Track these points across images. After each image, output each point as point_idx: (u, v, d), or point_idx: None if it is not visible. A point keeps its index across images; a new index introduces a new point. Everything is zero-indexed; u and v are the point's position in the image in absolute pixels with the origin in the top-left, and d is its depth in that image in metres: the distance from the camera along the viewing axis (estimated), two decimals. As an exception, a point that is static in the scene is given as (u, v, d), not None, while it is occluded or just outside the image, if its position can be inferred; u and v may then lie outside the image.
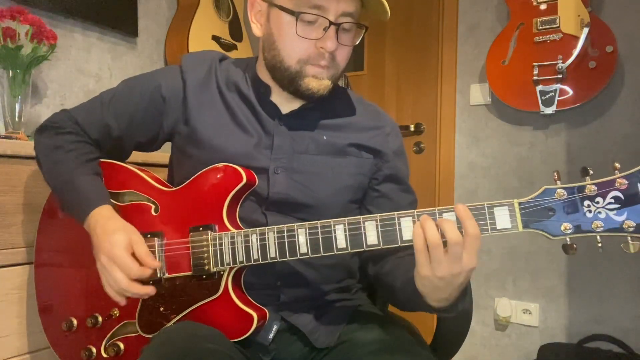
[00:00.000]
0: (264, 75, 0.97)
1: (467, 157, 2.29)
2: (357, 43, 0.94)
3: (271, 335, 0.91)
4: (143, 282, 0.87)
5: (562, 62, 1.91)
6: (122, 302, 0.88)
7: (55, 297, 1.01)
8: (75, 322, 0.96)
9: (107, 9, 1.90)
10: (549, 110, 1.97)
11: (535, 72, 1.97)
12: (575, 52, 1.89)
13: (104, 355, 0.93)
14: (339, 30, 0.88)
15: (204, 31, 2.13)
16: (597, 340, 1.94)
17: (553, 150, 2.09)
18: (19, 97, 1.43)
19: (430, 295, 0.78)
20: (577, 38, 1.89)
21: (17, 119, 1.43)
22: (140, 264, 0.85)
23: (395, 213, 0.79)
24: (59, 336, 0.99)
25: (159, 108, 0.98)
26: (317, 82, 0.91)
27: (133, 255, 0.86)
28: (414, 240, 0.73)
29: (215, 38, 2.17)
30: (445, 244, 0.72)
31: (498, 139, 2.21)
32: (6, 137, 1.36)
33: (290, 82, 0.92)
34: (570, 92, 1.94)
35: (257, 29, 0.97)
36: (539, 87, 1.97)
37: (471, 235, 0.71)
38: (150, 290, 0.87)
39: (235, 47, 2.25)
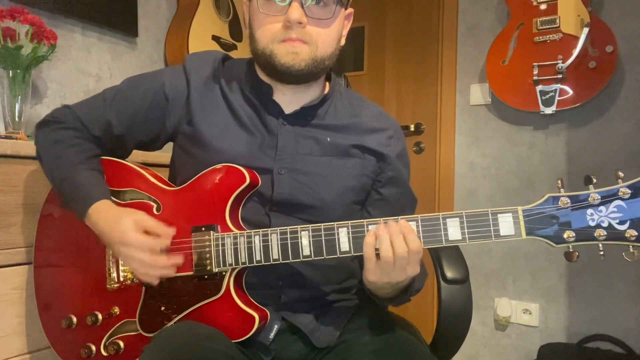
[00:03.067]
0: (263, 74, 0.97)
1: (467, 157, 2.29)
2: (331, 17, 0.89)
3: (272, 335, 0.91)
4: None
5: (562, 62, 1.91)
6: (156, 281, 0.87)
7: (54, 296, 1.01)
8: (74, 319, 0.96)
9: (107, 9, 1.89)
10: (549, 110, 1.97)
11: (535, 72, 1.97)
12: (575, 52, 1.89)
13: (104, 353, 0.93)
14: (309, 5, 0.87)
15: (204, 31, 2.12)
16: (597, 340, 1.95)
17: (553, 150, 2.09)
18: (19, 97, 1.42)
19: (376, 291, 0.88)
20: (577, 38, 1.89)
21: (17, 119, 1.43)
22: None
23: (400, 217, 0.80)
24: (59, 334, 0.99)
25: (162, 107, 0.97)
26: (291, 56, 0.88)
27: (145, 233, 0.86)
28: (365, 248, 0.79)
29: (215, 38, 2.17)
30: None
31: (498, 139, 2.21)
32: (6, 137, 1.35)
33: (268, 64, 0.90)
34: (570, 92, 1.95)
35: (244, 27, 0.98)
36: (539, 87, 1.97)
37: (413, 251, 0.77)
38: (178, 259, 0.87)
39: (235, 47, 2.25)
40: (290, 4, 0.86)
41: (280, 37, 0.88)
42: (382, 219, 0.80)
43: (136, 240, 0.85)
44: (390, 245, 0.76)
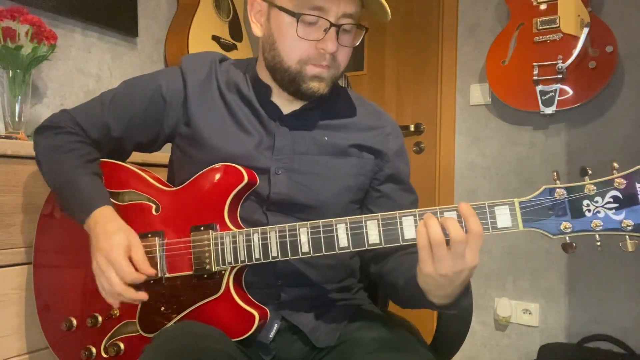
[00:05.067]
0: (265, 76, 0.97)
1: (467, 157, 2.29)
2: (357, 44, 0.94)
3: (272, 335, 0.91)
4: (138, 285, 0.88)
5: (562, 62, 1.91)
6: (116, 304, 0.88)
7: (54, 297, 1.01)
8: (74, 322, 0.96)
9: (107, 9, 1.89)
10: (549, 110, 1.97)
11: (535, 72, 1.97)
12: (575, 52, 1.89)
13: (104, 355, 0.93)
14: (340, 31, 0.88)
15: (204, 31, 2.13)
16: (597, 340, 1.94)
17: (553, 150, 2.09)
18: (19, 97, 1.42)
19: (432, 292, 0.79)
20: (577, 38, 1.89)
21: (17, 119, 1.43)
22: (136, 269, 0.86)
23: (397, 212, 0.80)
24: (59, 336, 0.99)
25: (160, 109, 0.98)
26: (318, 82, 0.91)
27: (130, 259, 0.86)
28: (418, 237, 0.74)
29: (215, 38, 2.17)
30: (448, 242, 0.72)
31: (498, 139, 2.21)
32: (6, 137, 1.36)
33: (291, 83, 0.92)
34: (570, 92, 1.94)
35: (257, 29, 0.97)
36: (539, 87, 1.97)
37: (474, 233, 0.72)
38: (143, 296, 0.87)
39: (235, 47, 2.25)
40: (326, 31, 0.87)
41: (311, 61, 0.90)
42: (380, 214, 0.80)
43: (117, 262, 0.85)
44: (439, 228, 0.72)
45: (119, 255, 0.85)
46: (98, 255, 0.87)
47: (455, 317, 1.02)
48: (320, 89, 0.92)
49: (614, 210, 0.73)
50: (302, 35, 0.88)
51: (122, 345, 0.92)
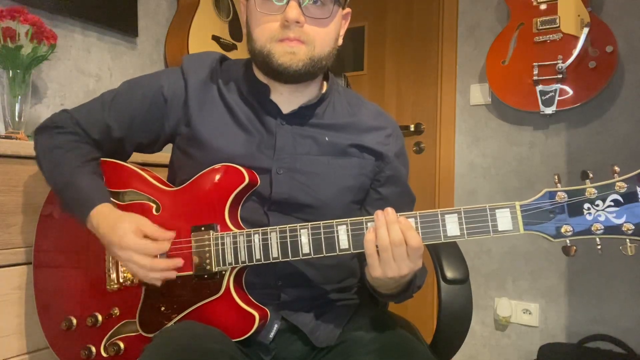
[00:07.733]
0: (260, 74, 0.97)
1: (467, 157, 2.29)
2: (328, 16, 0.89)
3: (272, 335, 0.91)
4: None
5: (562, 62, 1.91)
6: (159, 282, 0.88)
7: (54, 297, 1.00)
8: (74, 321, 0.96)
9: (107, 9, 1.89)
10: (549, 110, 1.97)
11: (535, 72, 1.97)
12: (575, 52, 1.89)
13: (104, 354, 0.93)
14: (307, 4, 0.87)
15: (204, 31, 2.13)
16: (597, 340, 1.95)
17: (553, 150, 2.09)
18: (19, 97, 1.42)
19: (379, 289, 0.88)
20: (577, 38, 1.89)
21: (17, 119, 1.43)
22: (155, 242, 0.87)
23: (399, 214, 0.80)
24: (58, 336, 0.99)
25: (161, 109, 0.98)
26: (289, 56, 0.88)
27: (145, 237, 0.87)
28: (365, 245, 0.79)
29: (215, 38, 2.17)
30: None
31: (498, 139, 2.22)
32: (6, 137, 1.35)
33: (265, 63, 0.90)
34: (570, 92, 1.95)
35: (244, 27, 0.97)
36: (539, 87, 1.97)
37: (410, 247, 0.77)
38: (177, 262, 0.88)
39: (235, 47, 2.25)
40: (287, 3, 0.86)
41: (278, 36, 0.88)
42: None
43: (134, 244, 0.85)
44: (387, 233, 0.76)
45: (131, 238, 0.85)
46: (114, 250, 0.87)
47: (455, 317, 1.02)
48: (293, 65, 0.88)
49: (614, 214, 0.73)
50: (262, 10, 0.88)
51: (122, 345, 0.92)
